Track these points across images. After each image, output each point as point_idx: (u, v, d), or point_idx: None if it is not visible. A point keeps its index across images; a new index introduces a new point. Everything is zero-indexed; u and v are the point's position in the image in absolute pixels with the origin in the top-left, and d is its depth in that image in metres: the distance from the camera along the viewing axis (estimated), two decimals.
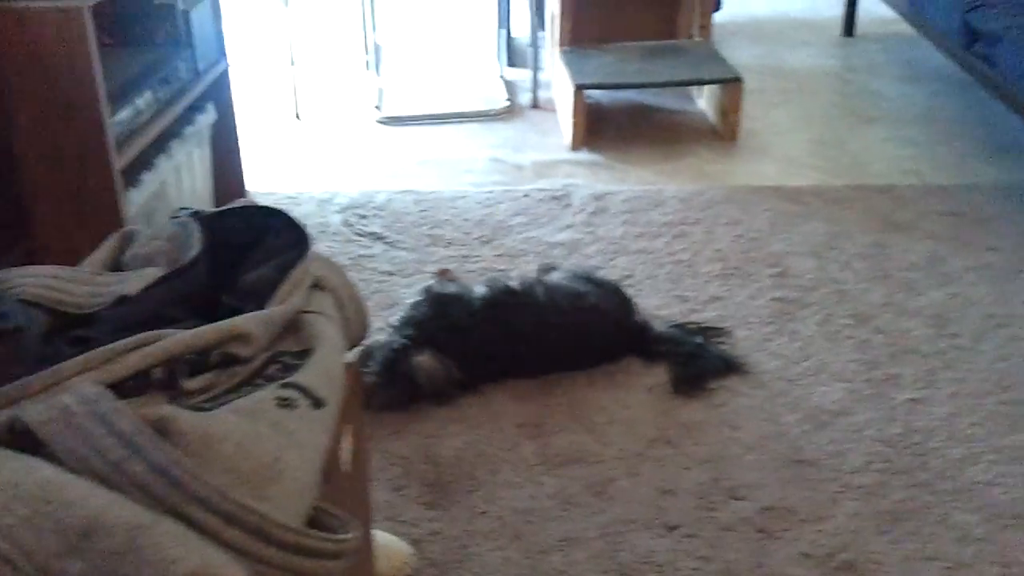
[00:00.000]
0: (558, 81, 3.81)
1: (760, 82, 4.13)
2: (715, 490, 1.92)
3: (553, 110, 3.86)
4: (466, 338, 2.20)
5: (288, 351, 0.77)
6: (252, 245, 0.85)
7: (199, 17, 2.24)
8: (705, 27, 3.81)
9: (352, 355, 2.26)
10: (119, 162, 1.81)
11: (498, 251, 2.80)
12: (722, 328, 2.40)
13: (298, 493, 0.66)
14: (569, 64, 3.56)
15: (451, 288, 2.30)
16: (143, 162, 2.02)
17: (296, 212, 2.96)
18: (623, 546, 1.79)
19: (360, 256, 2.78)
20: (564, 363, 2.27)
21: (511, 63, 4.36)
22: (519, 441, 2.06)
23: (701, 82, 3.62)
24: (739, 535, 1.81)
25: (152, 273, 0.79)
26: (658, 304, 2.52)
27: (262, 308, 0.77)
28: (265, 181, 3.27)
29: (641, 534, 1.82)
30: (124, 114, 1.89)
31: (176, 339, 0.69)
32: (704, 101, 3.82)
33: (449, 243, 2.85)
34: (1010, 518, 1.85)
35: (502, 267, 2.69)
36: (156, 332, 0.70)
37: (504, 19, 4.27)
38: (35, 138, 1.74)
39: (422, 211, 3.03)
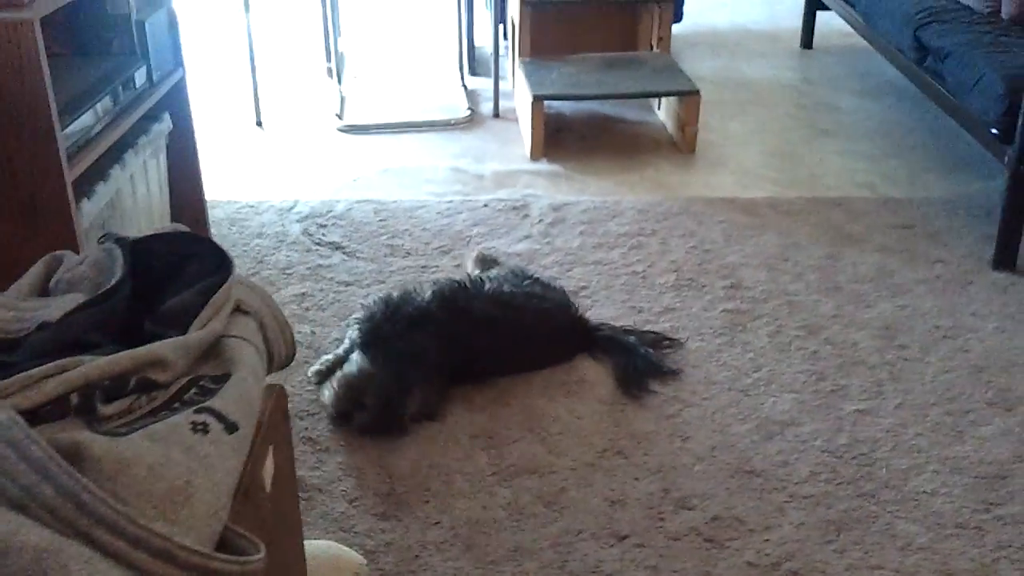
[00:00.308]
0: (519, 91, 3.84)
1: (719, 93, 4.18)
2: (665, 500, 1.95)
3: (515, 120, 3.89)
4: (421, 334, 2.21)
5: (207, 375, 0.78)
6: (176, 271, 0.87)
7: (154, 27, 2.24)
8: (664, 39, 3.86)
9: (322, 374, 2.22)
10: (71, 174, 1.81)
11: (456, 261, 2.81)
12: (672, 338, 2.44)
13: (208, 515, 0.68)
14: (529, 75, 3.58)
15: (402, 292, 2.31)
16: (97, 172, 2.02)
17: (256, 221, 2.98)
18: (573, 556, 1.81)
19: (319, 266, 2.78)
20: (518, 359, 2.31)
21: (474, 72, 4.39)
22: (473, 452, 2.07)
23: (658, 94, 3.66)
24: (687, 544, 1.84)
25: (74, 299, 0.81)
26: (613, 315, 2.54)
27: (183, 333, 0.78)
28: (226, 189, 3.27)
29: (591, 544, 1.84)
30: (76, 125, 1.88)
31: (93, 366, 0.71)
32: (663, 112, 3.86)
33: (408, 253, 2.86)
34: (953, 527, 1.89)
35: (460, 277, 2.70)
36: (74, 359, 0.71)
37: (467, 28, 4.29)
38: None
39: (381, 221, 3.04)
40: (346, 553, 1.76)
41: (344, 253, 2.86)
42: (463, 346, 2.24)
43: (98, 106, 1.98)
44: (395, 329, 2.19)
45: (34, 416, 0.68)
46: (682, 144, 3.59)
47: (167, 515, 0.65)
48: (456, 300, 2.29)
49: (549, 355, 2.35)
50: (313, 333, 2.47)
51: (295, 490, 1.02)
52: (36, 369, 0.69)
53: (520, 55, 3.80)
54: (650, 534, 1.87)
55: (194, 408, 0.73)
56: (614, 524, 1.89)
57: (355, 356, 2.17)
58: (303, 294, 2.64)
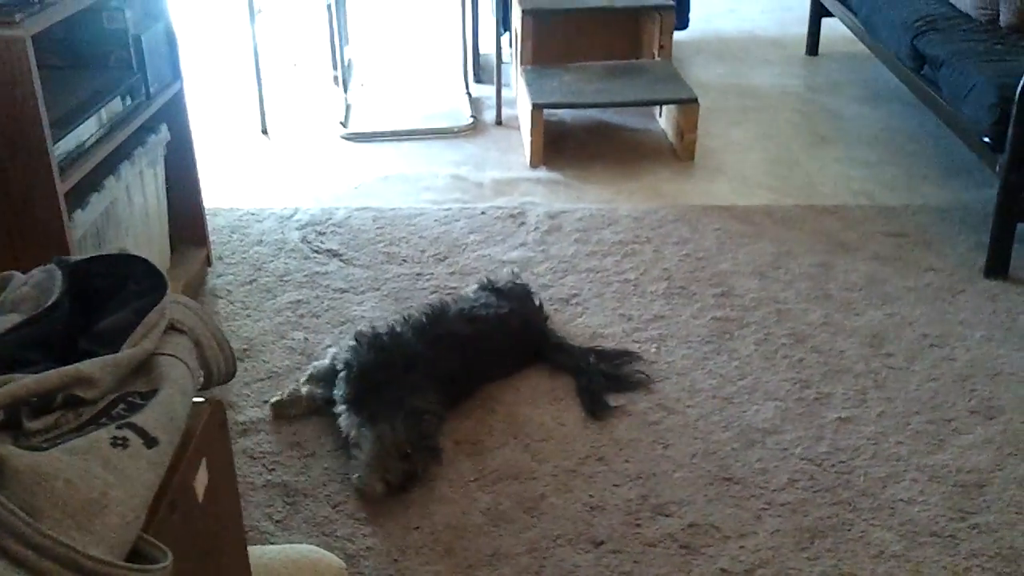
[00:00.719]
0: (520, 99, 3.88)
1: (722, 100, 4.20)
2: (643, 507, 1.98)
3: (517, 128, 3.92)
4: (414, 376, 2.18)
5: (137, 391, 0.83)
6: (114, 291, 0.91)
7: (151, 40, 2.29)
8: (665, 47, 3.88)
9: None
10: (63, 186, 1.87)
11: (451, 269, 2.85)
12: (632, 352, 2.46)
13: (122, 526, 0.72)
14: (530, 83, 3.62)
15: (378, 332, 2.29)
16: (91, 183, 2.07)
17: (257, 228, 3.03)
18: (549, 561, 1.85)
19: (315, 273, 2.83)
20: (486, 373, 2.35)
21: (478, 80, 4.43)
22: (457, 457, 2.11)
23: (657, 102, 3.69)
24: (663, 551, 1.87)
25: (11, 319, 0.85)
26: (602, 323, 2.58)
27: (116, 351, 0.83)
28: (229, 197, 3.33)
29: (567, 550, 1.87)
30: (70, 138, 1.94)
31: (19, 384, 0.75)
32: (664, 120, 3.89)
33: (404, 260, 2.90)
34: (927, 535, 1.91)
35: (454, 285, 2.75)
36: (3, 377, 0.76)
37: (472, 37, 4.33)
38: None
39: (379, 228, 3.09)
40: (327, 557, 1.80)
41: (341, 260, 2.91)
42: (448, 373, 2.24)
43: (92, 119, 2.03)
44: (388, 376, 2.15)
45: None
46: (681, 152, 3.62)
47: (82, 525, 0.70)
48: (437, 328, 2.31)
49: (509, 365, 2.40)
50: (306, 339, 2.52)
51: (236, 501, 1.06)
52: None
53: (522, 63, 3.84)
54: (626, 540, 1.90)
55: (116, 424, 0.77)
56: (591, 530, 1.92)
57: (352, 430, 2.08)
58: (299, 301, 2.69)
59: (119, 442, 0.75)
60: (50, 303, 0.86)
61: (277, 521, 1.94)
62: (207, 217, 2.86)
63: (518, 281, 2.63)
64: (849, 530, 1.92)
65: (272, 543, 1.88)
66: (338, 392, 2.16)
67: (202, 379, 0.97)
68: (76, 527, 0.69)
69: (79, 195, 2.02)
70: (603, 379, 2.33)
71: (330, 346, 2.45)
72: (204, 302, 2.69)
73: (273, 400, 2.25)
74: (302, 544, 1.83)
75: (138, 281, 0.91)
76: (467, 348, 2.29)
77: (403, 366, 2.18)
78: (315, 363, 2.32)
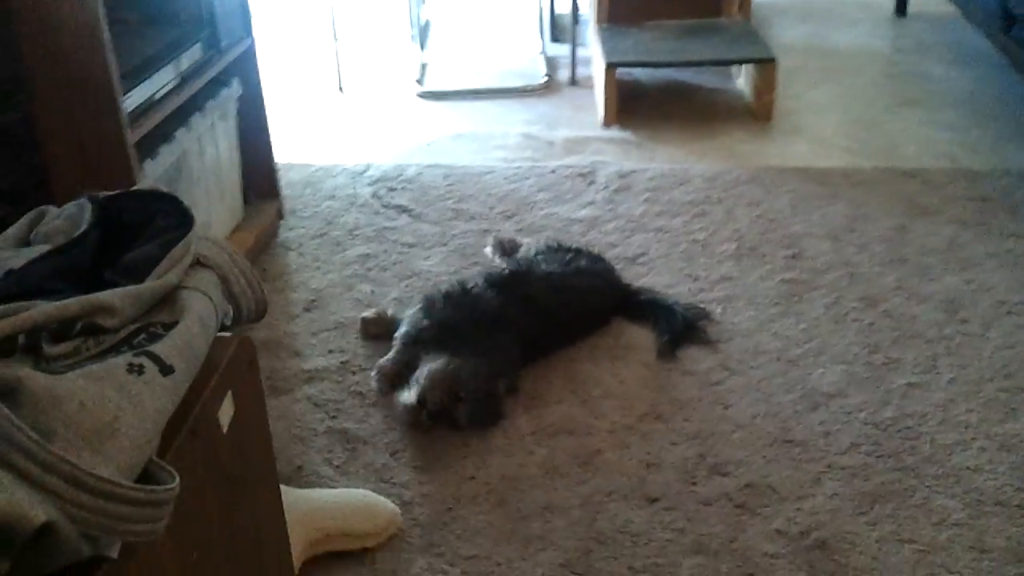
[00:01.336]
0: (594, 58, 3.84)
1: (803, 61, 4.10)
2: (699, 466, 1.97)
3: (591, 87, 3.89)
4: (499, 333, 2.19)
5: (160, 322, 0.85)
6: (143, 226, 0.93)
7: None
8: (746, 5, 3.81)
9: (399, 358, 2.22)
10: (133, 136, 1.91)
11: (519, 226, 2.85)
12: (702, 308, 2.44)
13: (132, 448, 0.75)
14: (604, 41, 3.58)
15: (459, 286, 2.29)
16: (161, 135, 2.12)
17: (329, 184, 3.07)
18: (602, 515, 1.85)
19: (384, 228, 2.86)
20: (571, 336, 2.34)
21: (555, 39, 4.40)
22: (514, 411, 2.12)
23: (732, 61, 3.62)
24: (717, 510, 1.86)
25: (40, 249, 0.88)
26: (668, 282, 2.55)
27: (140, 283, 0.85)
28: (303, 152, 3.37)
29: (620, 504, 1.87)
30: (140, 89, 1.98)
31: (40, 310, 0.77)
32: (742, 80, 3.81)
33: (472, 217, 2.91)
34: (992, 504, 1.86)
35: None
36: (26, 303, 0.78)
37: None
38: (52, 112, 1.85)
39: (449, 185, 3.10)
40: (381, 502, 1.83)
41: (410, 216, 2.93)
42: (530, 335, 2.24)
43: (163, 71, 2.07)
44: (471, 329, 2.17)
45: None
46: (758, 112, 3.55)
47: (93, 447, 0.72)
48: (515, 289, 2.29)
49: (596, 325, 2.39)
50: (373, 292, 2.55)
51: (266, 437, 1.08)
52: None
53: (597, 21, 3.79)
54: (681, 498, 1.89)
55: (134, 352, 0.79)
56: (646, 486, 1.92)
57: (431, 355, 2.10)
58: (367, 255, 2.72)
59: (135, 368, 0.77)
60: (77, 234, 0.89)
61: (336, 466, 1.98)
62: (281, 172, 2.91)
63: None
64: (911, 496, 1.88)
65: (331, 487, 1.91)
66: (421, 338, 2.17)
67: (231, 316, 0.99)
68: (87, 448, 0.72)
69: (149, 146, 2.07)
70: (684, 324, 2.34)
71: (396, 299, 2.48)
72: (275, 254, 2.74)
73: (363, 314, 2.36)
74: (358, 489, 1.87)
75: (166, 216, 0.93)
76: (553, 315, 2.29)
77: (488, 326, 2.19)
78: (400, 331, 2.26)
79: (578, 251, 2.50)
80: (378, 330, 2.34)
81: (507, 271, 2.35)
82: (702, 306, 2.45)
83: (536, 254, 2.48)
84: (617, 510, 1.86)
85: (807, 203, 2.94)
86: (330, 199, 3.04)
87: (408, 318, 2.26)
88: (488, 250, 2.66)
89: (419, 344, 2.16)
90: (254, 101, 2.64)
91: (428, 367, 2.06)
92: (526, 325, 2.23)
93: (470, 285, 2.28)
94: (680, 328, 2.33)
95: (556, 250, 2.49)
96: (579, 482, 1.93)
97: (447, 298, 2.23)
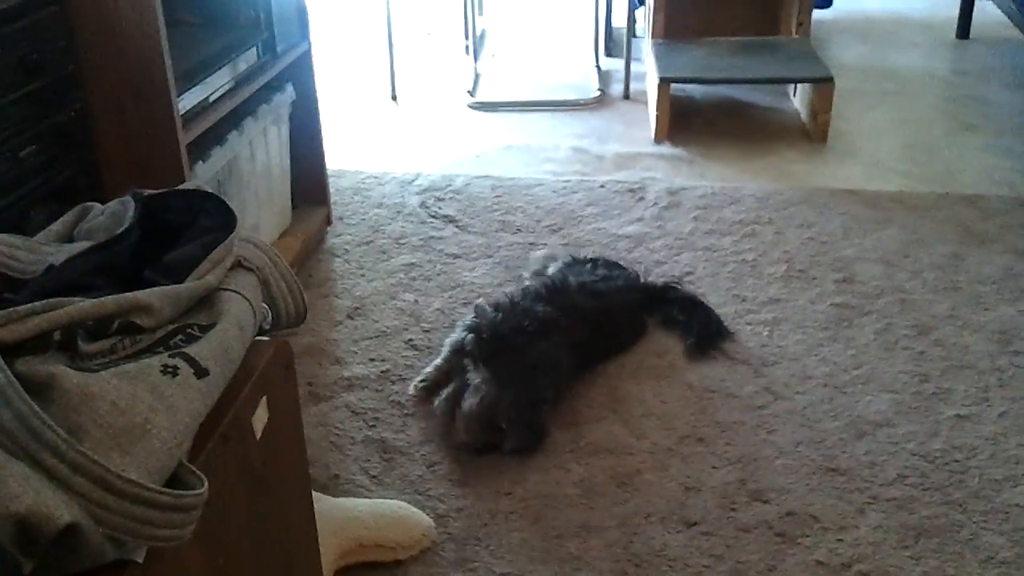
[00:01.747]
0: (649, 73, 3.82)
1: (861, 82, 4.04)
2: (740, 491, 1.93)
3: (644, 102, 3.87)
4: (547, 342, 2.16)
5: (197, 324, 0.84)
6: (186, 225, 0.93)
7: (280, 2, 2.33)
8: (804, 24, 3.75)
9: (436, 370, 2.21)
10: (186, 137, 1.92)
11: (565, 240, 2.84)
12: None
13: (162, 451, 0.74)
14: (659, 56, 3.56)
15: (508, 297, 2.27)
16: (214, 137, 2.13)
17: (378, 191, 3.07)
18: (639, 538, 1.82)
19: (430, 238, 2.86)
20: (611, 345, 2.34)
21: (609, 54, 4.38)
22: (554, 428, 2.10)
23: (788, 80, 3.57)
24: (756, 537, 1.82)
25: (82, 245, 0.88)
26: (715, 302, 2.52)
27: (179, 283, 0.84)
28: (354, 160, 3.38)
29: (658, 528, 1.84)
30: (195, 91, 2.00)
31: (78, 307, 0.77)
32: (798, 100, 3.77)
33: (518, 230, 2.90)
34: None
35: (583, 253, 2.72)
36: (64, 299, 0.78)
37: (605, 9, 4.28)
38: (107, 111, 1.87)
39: (497, 197, 3.09)
40: (415, 514, 1.82)
41: (456, 226, 2.92)
42: (578, 342, 2.22)
43: (218, 74, 2.09)
44: (520, 340, 2.12)
45: (19, 349, 0.75)
46: (813, 133, 3.50)
47: (122, 447, 0.71)
48: (557, 299, 2.27)
49: (636, 328, 2.40)
50: (416, 302, 2.54)
51: (301, 446, 1.07)
52: (24, 306, 0.76)
53: (653, 36, 3.77)
54: (720, 523, 1.85)
55: (169, 353, 0.79)
56: (685, 510, 1.89)
57: (476, 379, 2.04)
58: (412, 264, 2.72)
59: (169, 370, 0.76)
60: (119, 232, 0.89)
61: (373, 476, 1.97)
62: (331, 178, 2.92)
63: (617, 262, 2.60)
64: (958, 532, 1.83)
65: (366, 497, 1.91)
66: (468, 349, 2.11)
67: (270, 319, 0.98)
68: (117, 449, 0.71)
69: (201, 148, 2.08)
70: (716, 324, 2.37)
71: (439, 309, 2.48)
72: (321, 260, 2.75)
73: (418, 383, 2.19)
74: (393, 500, 1.86)
75: (209, 216, 0.93)
76: (594, 320, 2.28)
77: (537, 330, 2.16)
78: (450, 338, 2.25)
79: (595, 260, 2.53)
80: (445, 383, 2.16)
81: (549, 282, 2.34)
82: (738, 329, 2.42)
83: (563, 266, 2.48)
84: (654, 532, 1.83)
85: (860, 227, 2.89)
86: (378, 207, 3.04)
87: (457, 326, 2.26)
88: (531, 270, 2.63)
89: (465, 354, 2.13)
90: (308, 107, 2.65)
91: (467, 404, 2.00)
92: (574, 332, 2.22)
93: (518, 298, 2.26)
94: (711, 329, 2.35)
95: (576, 263, 2.51)
96: (617, 503, 1.90)
97: (497, 308, 2.21)
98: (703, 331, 2.37)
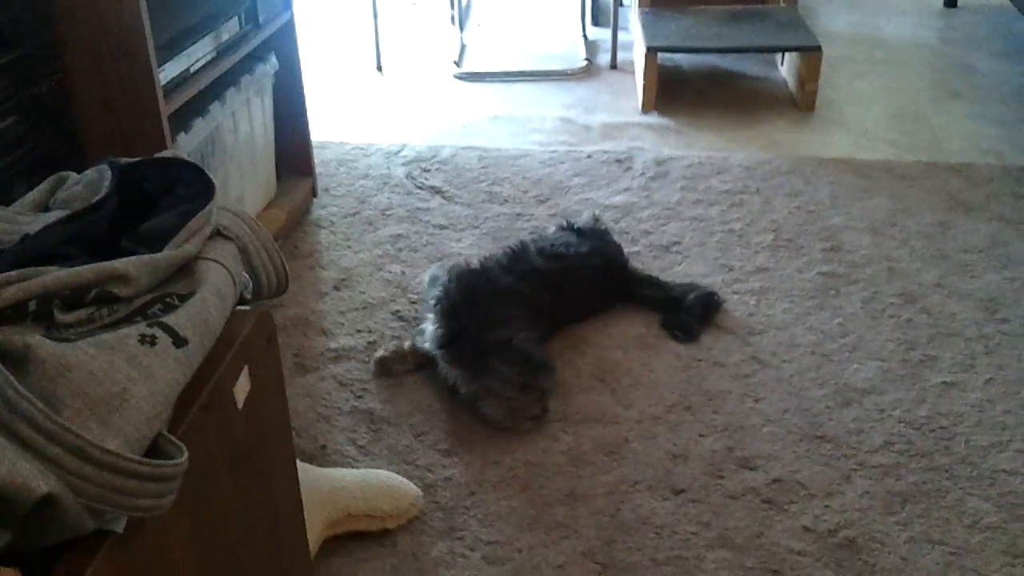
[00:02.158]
0: (636, 43, 3.79)
1: (848, 51, 4.03)
2: (727, 459, 1.94)
3: (631, 72, 3.84)
4: (506, 310, 2.17)
5: (176, 293, 0.83)
6: (164, 194, 0.91)
7: None
8: None
9: (429, 341, 2.21)
10: (167, 108, 1.90)
11: (552, 211, 2.82)
12: (713, 293, 2.41)
13: (141, 422, 0.73)
14: (646, 25, 3.53)
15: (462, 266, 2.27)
16: (196, 108, 2.11)
17: (364, 163, 3.05)
18: (626, 505, 1.82)
19: (417, 209, 2.84)
20: (570, 312, 2.33)
21: (596, 23, 4.35)
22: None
23: (776, 49, 3.55)
24: (743, 504, 1.83)
25: (57, 215, 0.86)
26: (702, 271, 2.51)
27: (157, 252, 0.83)
28: (339, 131, 3.36)
29: (645, 496, 1.85)
30: (176, 61, 1.97)
31: (53, 276, 0.76)
32: (785, 69, 3.75)
33: (505, 200, 2.89)
34: None
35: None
36: (39, 268, 0.76)
37: None
38: (87, 82, 1.84)
39: (484, 167, 3.07)
40: (403, 484, 1.82)
41: (443, 197, 2.91)
42: (535, 306, 2.22)
43: (199, 44, 2.06)
44: (480, 312, 2.12)
45: None
46: (801, 102, 3.48)
47: (100, 418, 0.70)
48: (515, 265, 2.27)
49: (595, 305, 2.38)
50: (403, 273, 2.53)
51: (284, 415, 1.06)
52: None
53: (640, 5, 3.74)
54: (707, 491, 1.86)
55: (147, 322, 0.78)
56: (672, 478, 1.89)
57: (456, 372, 2.06)
58: (399, 235, 2.70)
59: (147, 339, 0.75)
60: (95, 200, 0.87)
61: (360, 446, 1.97)
62: (316, 150, 2.90)
63: (598, 223, 2.57)
64: (944, 497, 1.84)
65: (354, 467, 1.90)
66: (432, 329, 2.13)
67: (251, 289, 0.97)
68: (95, 418, 0.70)
69: (183, 119, 2.06)
70: (699, 308, 2.33)
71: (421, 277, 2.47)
72: (307, 232, 2.73)
73: (377, 356, 2.18)
74: (381, 470, 1.85)
75: (187, 185, 0.91)
76: (553, 284, 2.27)
77: (493, 300, 2.16)
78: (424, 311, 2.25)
79: (587, 231, 2.49)
80: (404, 367, 2.18)
81: (509, 250, 2.32)
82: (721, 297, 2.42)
83: (547, 235, 2.48)
84: (641, 500, 1.84)
85: (847, 195, 2.89)
86: (364, 178, 3.02)
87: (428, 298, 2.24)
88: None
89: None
90: (291, 77, 2.62)
91: (493, 408, 2.02)
92: (532, 297, 2.22)
93: (477, 265, 2.27)
94: (695, 314, 2.33)
95: (566, 229, 2.50)
96: (604, 471, 1.91)
97: (459, 278, 2.19)
98: (678, 318, 2.33)
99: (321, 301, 2.43)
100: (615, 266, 2.43)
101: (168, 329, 0.77)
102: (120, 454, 0.69)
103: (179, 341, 0.77)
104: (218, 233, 0.91)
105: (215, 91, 2.19)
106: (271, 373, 1.00)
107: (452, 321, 2.11)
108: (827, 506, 1.82)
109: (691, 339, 2.26)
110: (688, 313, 2.30)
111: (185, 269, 0.86)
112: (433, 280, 2.27)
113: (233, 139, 2.33)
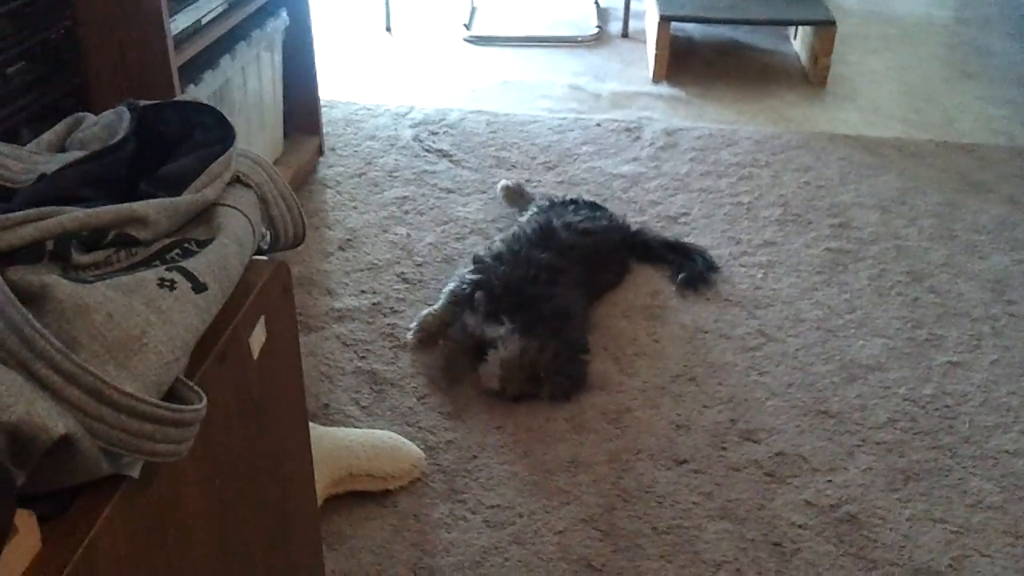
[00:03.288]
0: (648, 11, 3.76)
1: (863, 27, 3.99)
2: (731, 431, 1.93)
3: (643, 41, 3.81)
4: (559, 288, 2.15)
5: (195, 238, 0.81)
6: (183, 137, 0.90)
7: None
8: None
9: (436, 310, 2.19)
10: (178, 59, 1.88)
11: (559, 178, 2.81)
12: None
13: (159, 365, 0.71)
14: None
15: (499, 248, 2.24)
16: (206, 61, 2.08)
17: (371, 123, 3.03)
18: (628, 474, 1.82)
19: (423, 171, 2.82)
20: (598, 283, 2.32)
21: None
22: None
23: (790, 22, 3.52)
24: (746, 476, 1.83)
25: (75, 155, 0.84)
26: (709, 244, 2.50)
27: (176, 196, 0.81)
28: (347, 91, 3.33)
29: (647, 464, 1.84)
30: (186, 13, 1.95)
31: (72, 216, 0.74)
32: (798, 43, 3.72)
33: (513, 166, 2.87)
34: None
35: (560, 194, 2.70)
36: (56, 208, 0.75)
37: None
38: (97, 30, 1.82)
39: (492, 132, 3.05)
40: (406, 445, 1.81)
41: (451, 161, 2.88)
42: (579, 284, 2.22)
43: None
44: (533, 289, 2.10)
45: (11, 258, 0.72)
46: (813, 77, 3.46)
47: (118, 360, 0.69)
48: (551, 243, 2.25)
49: (622, 268, 2.40)
50: (408, 235, 2.51)
51: (297, 368, 1.05)
52: (16, 214, 0.73)
53: None
54: (709, 462, 1.86)
55: (166, 266, 0.76)
56: (674, 448, 1.89)
57: (501, 331, 2.01)
58: (405, 197, 2.68)
59: (166, 283, 0.74)
60: (114, 142, 0.85)
61: (363, 407, 1.96)
62: (324, 108, 2.87)
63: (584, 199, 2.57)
64: (946, 476, 1.84)
65: (356, 427, 1.90)
66: (479, 302, 2.08)
67: (268, 239, 0.96)
68: (112, 361, 0.69)
69: (193, 71, 2.03)
70: (705, 263, 2.37)
71: (431, 243, 2.45)
72: (313, 191, 2.71)
73: (416, 330, 2.13)
74: (384, 431, 1.85)
75: (207, 130, 0.90)
76: (590, 258, 2.27)
77: (548, 279, 2.14)
78: (448, 286, 2.21)
79: (576, 201, 2.51)
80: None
81: (536, 226, 2.30)
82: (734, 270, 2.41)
83: (539, 212, 2.44)
84: (643, 469, 1.83)
85: (857, 172, 2.87)
86: (371, 139, 3.00)
87: (456, 276, 2.22)
88: (500, 196, 2.64)
89: (474, 306, 2.09)
90: (301, 35, 2.59)
91: (506, 354, 1.97)
92: (573, 273, 2.20)
93: (515, 247, 2.23)
94: (703, 267, 2.36)
95: (554, 205, 2.48)
96: (607, 439, 1.90)
97: (499, 259, 2.18)
98: (692, 268, 2.36)
99: (326, 261, 2.41)
100: (632, 238, 2.45)
101: (187, 274, 0.76)
102: (139, 397, 0.68)
103: (198, 286, 0.76)
104: (237, 180, 0.89)
105: (226, 44, 2.16)
106: (286, 325, 0.99)
107: (504, 296, 2.09)
108: (829, 481, 1.82)
109: (706, 284, 2.33)
110: (700, 264, 2.36)
111: (204, 215, 0.84)
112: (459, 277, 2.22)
113: (242, 94, 2.31)
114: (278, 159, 2.64)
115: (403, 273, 2.37)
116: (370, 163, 2.86)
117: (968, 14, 4.19)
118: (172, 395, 0.74)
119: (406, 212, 2.62)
